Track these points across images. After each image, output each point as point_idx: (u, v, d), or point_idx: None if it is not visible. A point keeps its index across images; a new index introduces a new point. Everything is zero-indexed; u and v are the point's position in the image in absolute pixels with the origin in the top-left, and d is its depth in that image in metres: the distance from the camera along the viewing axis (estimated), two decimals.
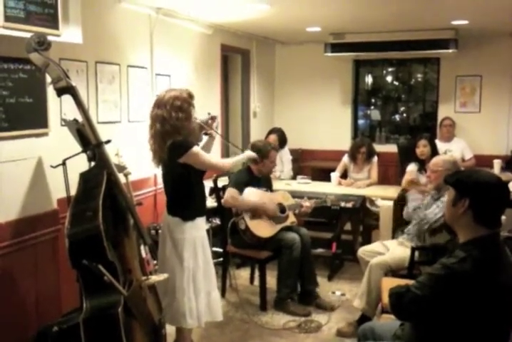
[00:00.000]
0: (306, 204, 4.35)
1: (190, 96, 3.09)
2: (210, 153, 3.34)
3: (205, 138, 3.42)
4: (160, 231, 3.59)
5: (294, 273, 4.12)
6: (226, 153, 6.35)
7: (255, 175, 4.31)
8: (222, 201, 4.18)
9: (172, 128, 2.97)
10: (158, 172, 3.29)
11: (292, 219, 4.30)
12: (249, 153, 3.70)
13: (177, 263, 3.06)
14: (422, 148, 5.00)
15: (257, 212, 4.10)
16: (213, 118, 3.41)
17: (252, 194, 4.13)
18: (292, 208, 4.32)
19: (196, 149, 3.03)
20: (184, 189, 3.09)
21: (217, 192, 4.44)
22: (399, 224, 4.43)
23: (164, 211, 3.22)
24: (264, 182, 4.40)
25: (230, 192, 4.09)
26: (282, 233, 4.16)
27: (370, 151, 5.60)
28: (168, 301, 3.06)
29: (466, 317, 1.95)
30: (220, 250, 4.56)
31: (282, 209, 4.23)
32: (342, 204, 4.80)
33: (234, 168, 3.88)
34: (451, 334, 1.99)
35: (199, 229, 3.16)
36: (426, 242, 3.76)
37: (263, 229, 4.09)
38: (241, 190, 4.10)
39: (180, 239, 3.06)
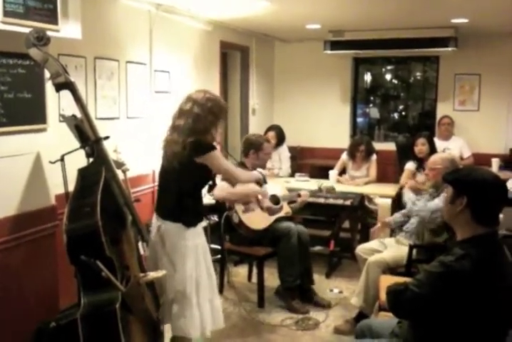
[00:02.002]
0: (303, 192, 4.37)
1: (226, 109, 3.07)
2: None
3: None
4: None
5: (294, 260, 4.10)
6: (225, 150, 6.32)
7: (249, 170, 4.32)
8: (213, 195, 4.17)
9: (204, 128, 2.89)
10: (157, 168, 3.25)
11: (286, 209, 4.30)
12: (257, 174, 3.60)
13: (181, 271, 2.91)
14: (420, 146, 5.01)
15: (249, 205, 4.09)
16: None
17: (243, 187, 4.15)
18: (287, 198, 4.33)
19: (217, 152, 2.92)
20: (191, 192, 2.96)
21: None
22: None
23: (154, 217, 3.04)
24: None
25: (219, 186, 4.07)
26: (277, 223, 4.18)
27: (369, 149, 5.61)
28: (164, 298, 3.00)
29: (464, 315, 1.95)
30: (218, 247, 4.56)
31: (276, 200, 4.24)
32: (341, 202, 4.81)
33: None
34: (449, 332, 1.99)
35: (200, 235, 3.03)
36: (424, 240, 3.77)
37: (256, 221, 4.09)
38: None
39: (182, 247, 2.90)
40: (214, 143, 3.10)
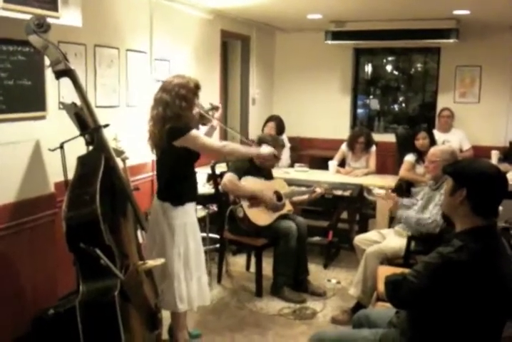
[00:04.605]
0: (318, 190, 4.40)
1: (197, 87, 3.08)
2: None
3: (202, 128, 3.41)
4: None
5: (290, 260, 4.14)
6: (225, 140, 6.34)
7: (256, 164, 4.29)
8: (221, 184, 4.19)
9: (174, 114, 2.97)
10: (155, 157, 3.27)
11: (288, 207, 4.31)
12: (263, 150, 3.36)
13: (169, 247, 3.06)
14: (422, 140, 5.00)
15: (254, 200, 4.11)
16: (216, 108, 3.41)
17: (249, 182, 4.14)
18: (289, 196, 4.33)
19: (195, 132, 3.01)
20: (176, 173, 3.09)
21: (214, 178, 4.44)
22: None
23: (154, 197, 3.20)
24: (265, 172, 4.38)
25: (229, 177, 4.10)
26: (279, 221, 4.17)
27: (369, 141, 5.60)
28: (163, 286, 3.08)
29: (462, 306, 1.95)
30: (217, 236, 4.57)
31: (279, 197, 4.23)
32: (339, 193, 4.81)
33: (235, 157, 3.73)
34: (447, 322, 2.00)
35: (189, 214, 3.15)
36: (422, 232, 3.77)
37: (261, 217, 4.10)
38: (240, 177, 4.11)
39: (171, 225, 3.05)
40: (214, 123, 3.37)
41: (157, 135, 3.01)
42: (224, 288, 4.35)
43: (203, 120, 3.31)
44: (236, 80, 6.98)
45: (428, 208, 3.73)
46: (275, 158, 3.59)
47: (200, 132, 3.11)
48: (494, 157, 5.77)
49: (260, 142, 4.16)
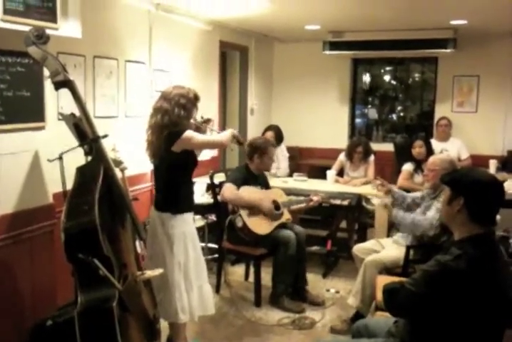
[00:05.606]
0: (314, 198, 4.40)
1: (196, 97, 3.12)
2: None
3: None
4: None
5: (289, 269, 4.13)
6: (223, 150, 6.36)
7: (253, 173, 4.32)
8: (220, 195, 4.19)
9: (171, 122, 3.00)
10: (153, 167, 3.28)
11: (287, 216, 4.32)
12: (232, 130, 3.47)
13: (169, 258, 3.06)
14: (418, 149, 5.02)
15: (253, 209, 4.11)
16: (207, 121, 3.43)
17: (247, 192, 4.15)
18: (286, 205, 4.34)
19: (189, 132, 3.02)
20: (173, 181, 3.10)
21: (213, 188, 4.45)
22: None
23: (152, 208, 3.20)
24: (262, 181, 4.42)
25: (228, 187, 4.11)
26: (278, 230, 4.18)
27: (367, 150, 5.61)
28: (161, 296, 3.07)
29: (460, 314, 1.96)
30: (215, 246, 4.56)
31: (277, 206, 4.24)
32: (338, 202, 4.81)
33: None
34: (445, 331, 2.00)
35: (188, 223, 3.16)
36: (421, 241, 3.77)
37: (260, 226, 4.10)
38: (238, 186, 4.12)
39: (170, 234, 3.06)
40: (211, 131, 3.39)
41: (156, 144, 3.03)
42: (222, 298, 4.34)
43: (198, 130, 3.32)
44: (235, 90, 7.01)
45: (427, 214, 3.74)
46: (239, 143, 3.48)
47: (193, 132, 3.09)
48: (492, 166, 5.78)
49: (251, 146, 4.30)
